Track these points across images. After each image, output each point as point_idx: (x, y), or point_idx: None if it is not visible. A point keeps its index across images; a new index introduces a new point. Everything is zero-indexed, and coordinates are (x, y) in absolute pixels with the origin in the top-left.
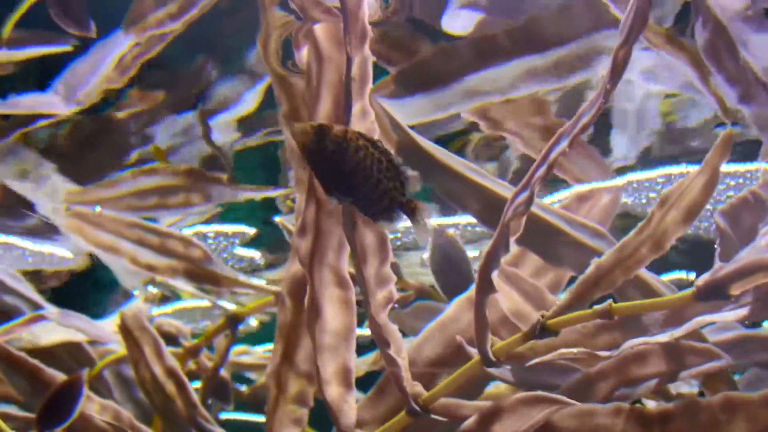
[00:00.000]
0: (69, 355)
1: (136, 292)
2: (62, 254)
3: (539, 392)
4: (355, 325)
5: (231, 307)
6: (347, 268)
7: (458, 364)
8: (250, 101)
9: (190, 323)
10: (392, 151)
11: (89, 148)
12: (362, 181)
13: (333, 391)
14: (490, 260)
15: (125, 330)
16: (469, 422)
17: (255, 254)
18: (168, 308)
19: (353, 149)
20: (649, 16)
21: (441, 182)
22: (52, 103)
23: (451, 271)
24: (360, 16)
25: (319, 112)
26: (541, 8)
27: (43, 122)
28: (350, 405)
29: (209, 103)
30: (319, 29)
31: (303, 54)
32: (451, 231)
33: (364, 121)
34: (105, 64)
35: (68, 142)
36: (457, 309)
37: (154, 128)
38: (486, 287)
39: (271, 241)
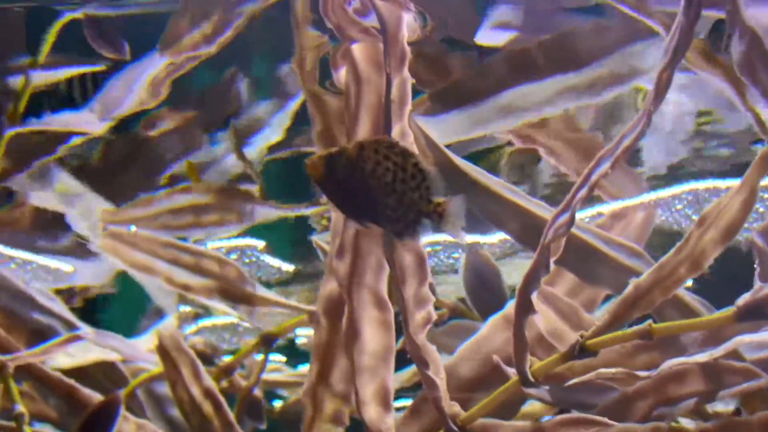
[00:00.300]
0: (103, 374)
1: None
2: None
3: (579, 414)
4: (394, 345)
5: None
6: (385, 289)
7: (493, 383)
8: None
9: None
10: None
11: (122, 167)
12: (384, 199)
13: (371, 412)
14: (530, 281)
15: (162, 350)
16: None
17: (283, 265)
18: (193, 327)
19: (371, 167)
20: (693, 36)
21: (478, 202)
22: (88, 122)
23: (485, 290)
24: (399, 37)
25: (358, 134)
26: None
27: (76, 140)
28: (388, 426)
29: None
30: (357, 50)
31: (341, 75)
32: (484, 250)
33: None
34: (139, 83)
35: (101, 162)
36: (492, 328)
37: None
38: (525, 308)
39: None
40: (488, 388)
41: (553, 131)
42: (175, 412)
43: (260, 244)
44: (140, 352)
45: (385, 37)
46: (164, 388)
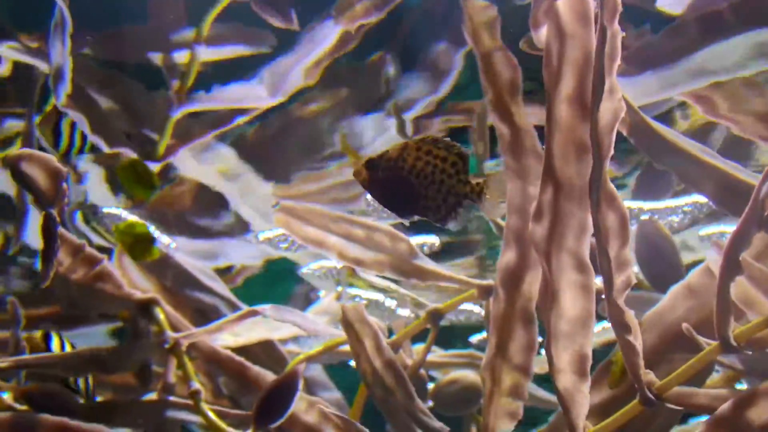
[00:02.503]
0: (265, 354)
1: (321, 293)
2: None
3: None
4: (594, 310)
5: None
6: (587, 251)
7: (674, 353)
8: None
9: None
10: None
11: (278, 144)
12: (425, 191)
13: (566, 380)
14: (739, 241)
15: (346, 323)
16: (724, 408)
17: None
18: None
19: (410, 163)
20: None
21: (674, 164)
22: (258, 96)
23: (660, 261)
24: None
25: (560, 92)
26: None
27: (242, 119)
28: (584, 395)
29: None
30: (563, 5)
31: (541, 34)
32: (656, 219)
33: (611, 100)
34: (310, 57)
35: (257, 139)
36: (674, 298)
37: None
38: (732, 269)
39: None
40: (669, 359)
41: (733, 94)
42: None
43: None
44: (321, 326)
45: None
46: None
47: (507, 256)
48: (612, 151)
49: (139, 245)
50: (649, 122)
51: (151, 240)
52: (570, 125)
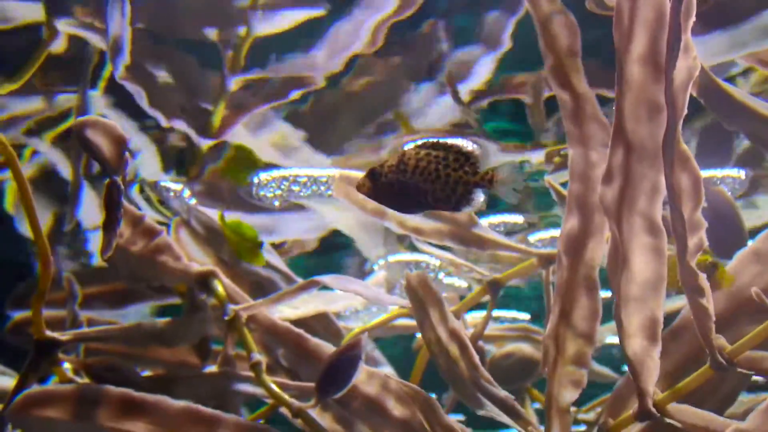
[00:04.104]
0: (321, 327)
1: (375, 266)
2: None
3: None
4: (665, 274)
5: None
6: (659, 213)
7: (742, 318)
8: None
9: None
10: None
11: (333, 115)
12: (432, 186)
13: (636, 345)
14: None
15: (411, 291)
16: None
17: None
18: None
19: (412, 166)
20: None
21: (745, 125)
22: (313, 65)
23: (723, 227)
24: None
25: (632, 52)
26: None
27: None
28: (654, 360)
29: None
30: None
31: None
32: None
33: (686, 59)
34: (366, 27)
35: (312, 111)
36: (740, 263)
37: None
38: None
39: None
40: (737, 325)
41: None
42: None
43: None
44: (383, 295)
45: None
46: None
47: (570, 223)
48: (686, 111)
49: (246, 246)
50: (720, 83)
51: (258, 245)
52: (642, 85)
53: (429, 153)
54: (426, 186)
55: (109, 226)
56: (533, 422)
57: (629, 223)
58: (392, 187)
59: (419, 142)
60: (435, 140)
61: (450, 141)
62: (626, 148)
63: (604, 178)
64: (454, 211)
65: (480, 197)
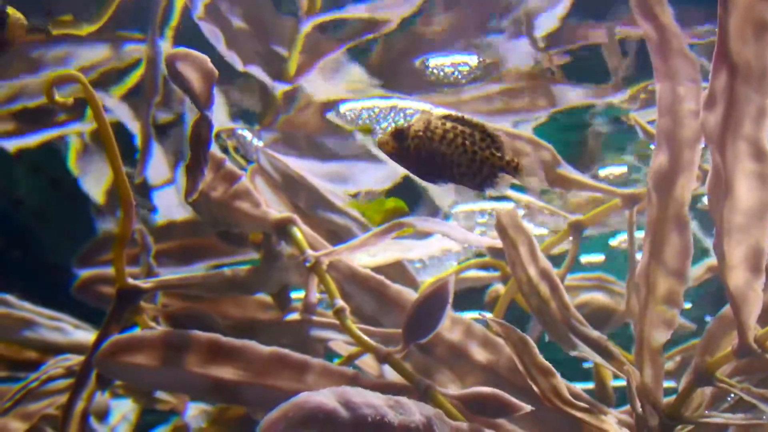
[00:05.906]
0: (397, 276)
1: (450, 214)
2: None
3: None
4: None
5: None
6: (766, 138)
7: None
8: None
9: None
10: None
11: (399, 63)
12: (458, 159)
13: (738, 278)
14: None
15: (501, 229)
16: None
17: None
18: None
19: (439, 135)
20: None
21: None
22: (387, 5)
23: None
24: None
25: None
26: None
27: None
28: (757, 293)
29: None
30: None
31: None
32: None
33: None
34: None
35: (385, 56)
36: None
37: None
38: None
39: None
40: None
41: None
42: None
43: None
44: (471, 236)
45: None
46: None
47: (659, 159)
48: None
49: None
50: None
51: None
52: (748, 3)
53: (455, 126)
54: (453, 158)
55: (196, 165)
56: (627, 362)
57: (733, 148)
58: (418, 152)
59: (442, 112)
60: (460, 114)
61: (476, 119)
62: (730, 70)
63: (706, 102)
64: (477, 189)
65: (506, 183)
